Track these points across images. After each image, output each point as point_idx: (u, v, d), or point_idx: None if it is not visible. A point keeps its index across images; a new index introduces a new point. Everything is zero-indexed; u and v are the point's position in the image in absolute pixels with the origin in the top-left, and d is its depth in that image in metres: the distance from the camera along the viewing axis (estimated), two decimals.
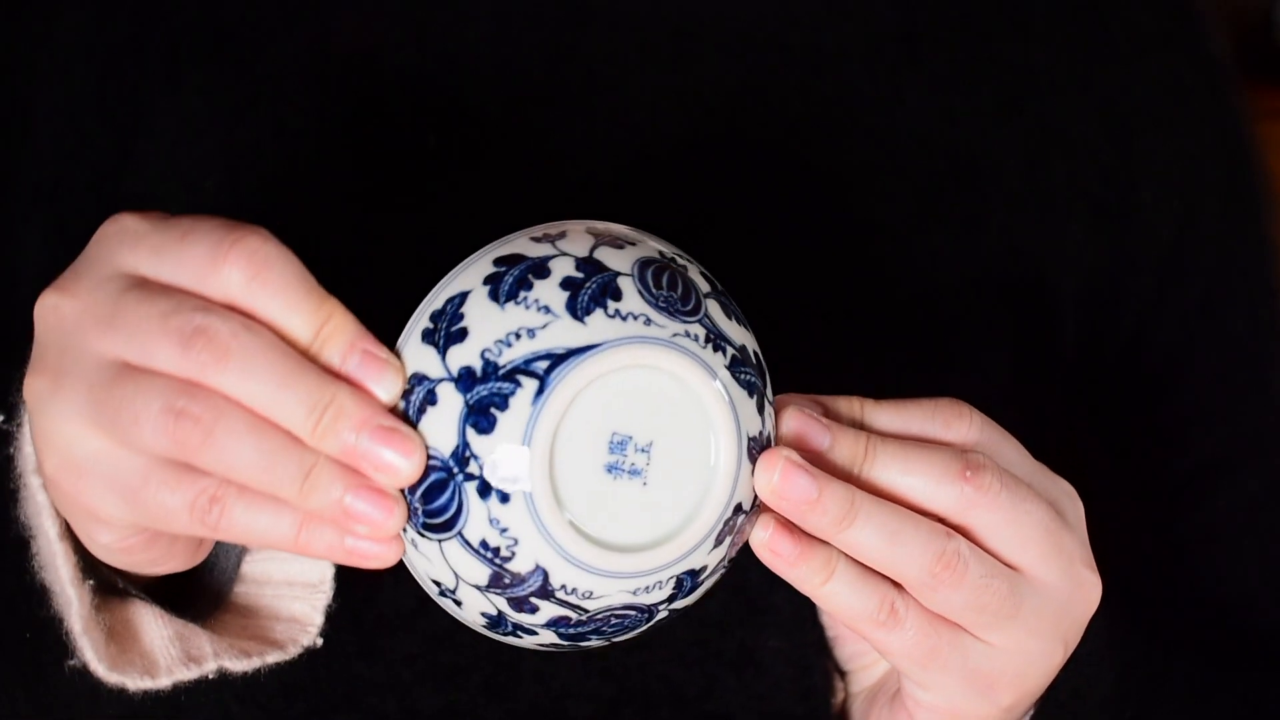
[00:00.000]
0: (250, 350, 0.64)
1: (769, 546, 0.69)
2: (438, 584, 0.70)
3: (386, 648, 0.85)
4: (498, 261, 0.68)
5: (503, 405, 0.66)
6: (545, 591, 0.68)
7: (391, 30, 0.90)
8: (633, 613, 0.70)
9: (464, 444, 0.67)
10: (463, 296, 0.68)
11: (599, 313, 0.67)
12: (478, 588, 0.69)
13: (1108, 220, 0.91)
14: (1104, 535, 0.92)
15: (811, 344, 0.88)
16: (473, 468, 0.67)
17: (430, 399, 0.67)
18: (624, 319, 0.67)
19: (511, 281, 0.67)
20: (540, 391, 0.66)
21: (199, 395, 0.64)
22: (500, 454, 0.67)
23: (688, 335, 0.67)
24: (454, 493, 0.67)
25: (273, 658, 0.75)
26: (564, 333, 0.67)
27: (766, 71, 0.90)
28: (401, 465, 0.65)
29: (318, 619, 0.77)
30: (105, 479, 0.66)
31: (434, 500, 0.68)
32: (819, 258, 0.88)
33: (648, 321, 0.67)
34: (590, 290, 0.67)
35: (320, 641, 0.77)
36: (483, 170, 0.88)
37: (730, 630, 0.86)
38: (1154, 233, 0.91)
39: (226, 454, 0.64)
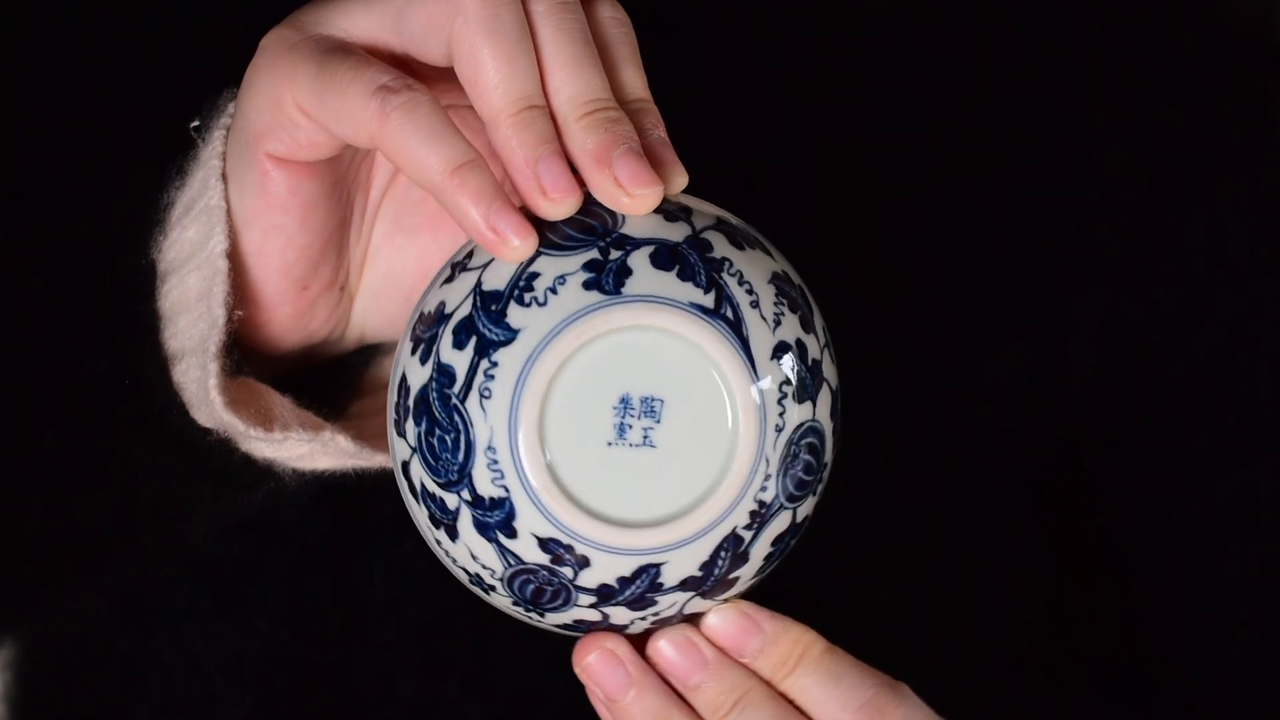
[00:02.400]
0: (583, 24, 0.66)
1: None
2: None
3: (372, 634, 0.86)
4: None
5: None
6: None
7: None
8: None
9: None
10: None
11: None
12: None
13: (1132, 251, 0.90)
14: (1110, 575, 0.92)
15: None
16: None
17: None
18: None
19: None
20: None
21: None
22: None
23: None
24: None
25: (380, 460, 0.73)
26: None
27: (767, 78, 0.89)
28: (640, 184, 0.65)
29: None
30: (319, 53, 0.67)
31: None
32: (806, 270, 0.87)
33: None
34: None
35: None
36: None
37: None
38: (1178, 267, 0.91)
39: (488, 40, 0.65)
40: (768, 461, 0.66)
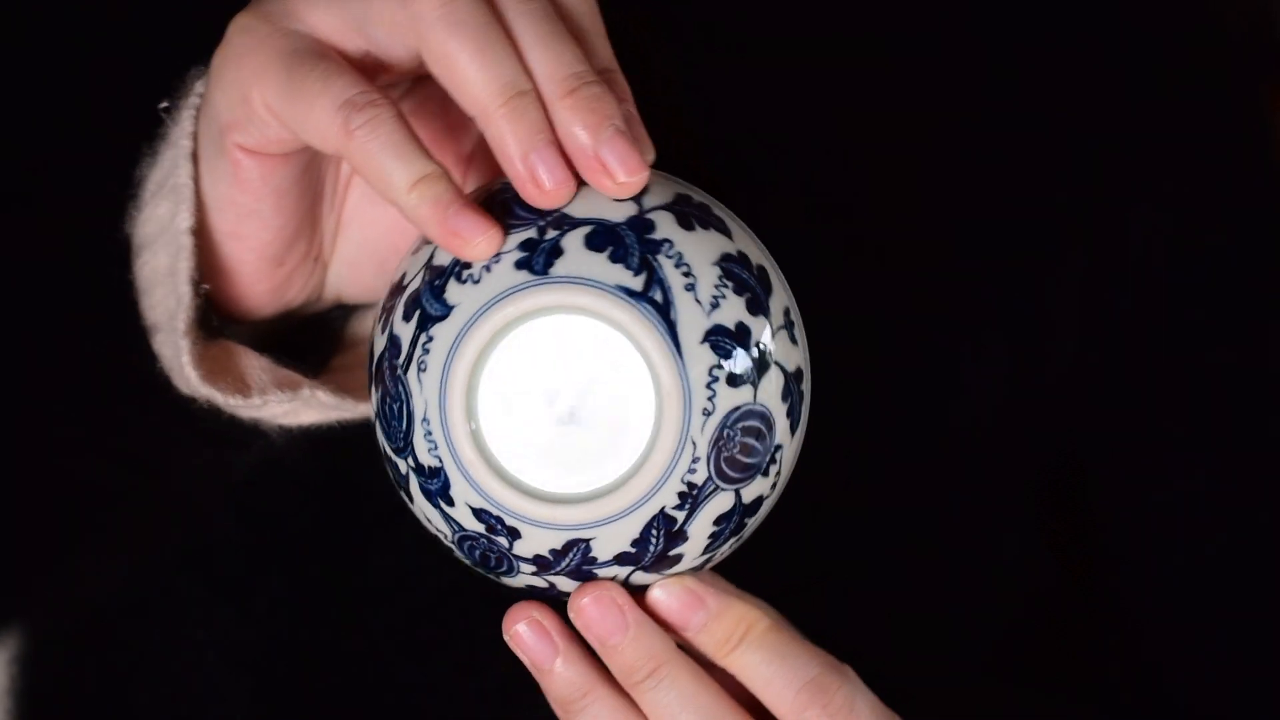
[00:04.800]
0: (554, 14, 0.66)
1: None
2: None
3: (370, 619, 0.87)
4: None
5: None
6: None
7: None
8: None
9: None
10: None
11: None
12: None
13: (1109, 244, 0.91)
14: (1092, 567, 0.92)
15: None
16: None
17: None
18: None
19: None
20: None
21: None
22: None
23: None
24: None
25: (363, 410, 0.74)
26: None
27: (754, 71, 0.90)
28: (627, 170, 0.65)
29: None
30: (286, 50, 0.67)
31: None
32: (805, 271, 0.88)
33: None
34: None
35: None
36: None
37: None
38: (1155, 260, 0.91)
39: (455, 24, 0.65)
40: (694, 444, 0.66)
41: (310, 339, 0.78)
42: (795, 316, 0.69)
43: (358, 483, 0.86)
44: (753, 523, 0.70)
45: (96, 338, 0.74)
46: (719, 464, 0.67)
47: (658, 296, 0.66)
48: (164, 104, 0.74)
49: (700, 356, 0.66)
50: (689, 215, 0.67)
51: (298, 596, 0.88)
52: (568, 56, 0.66)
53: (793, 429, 0.68)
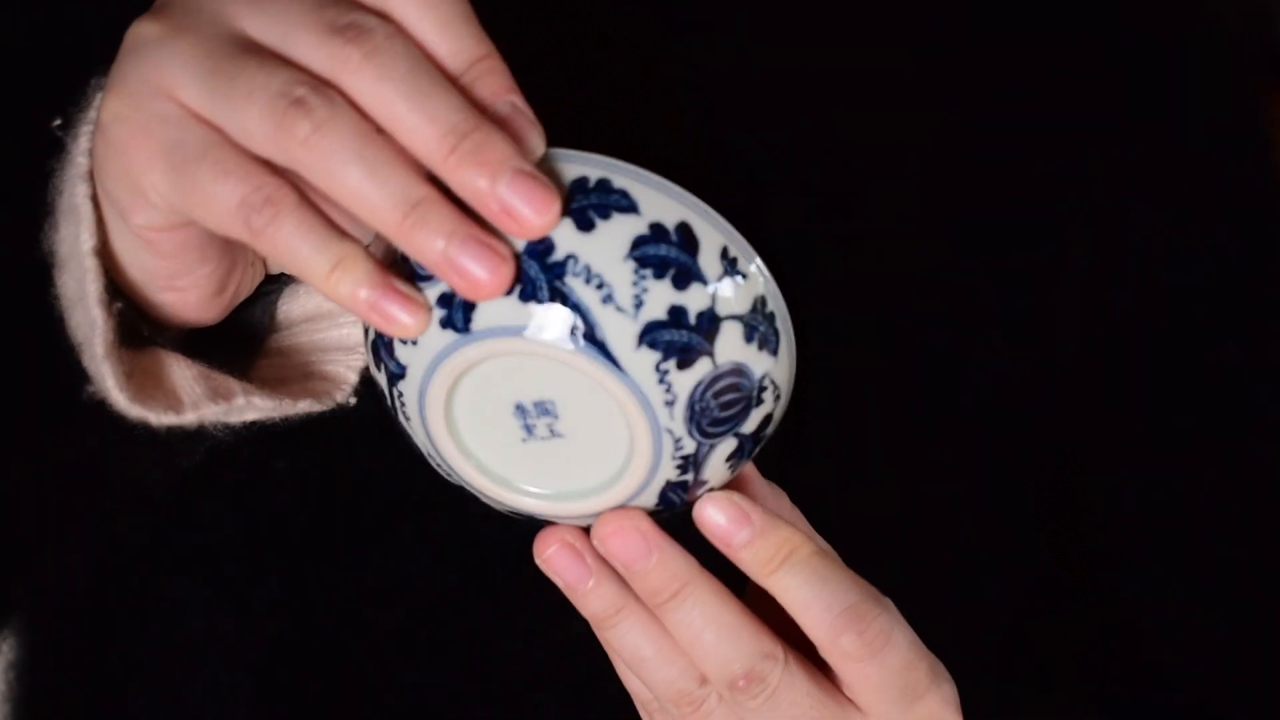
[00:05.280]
0: (399, 54, 0.59)
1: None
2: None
3: (371, 620, 0.86)
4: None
5: None
6: None
7: None
8: None
9: None
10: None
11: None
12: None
13: (1106, 234, 0.90)
14: (1097, 561, 0.92)
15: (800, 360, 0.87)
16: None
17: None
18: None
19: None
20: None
21: (323, 89, 0.59)
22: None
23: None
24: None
25: (304, 405, 0.71)
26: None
27: (747, 67, 0.90)
28: (537, 214, 0.60)
29: (353, 378, 0.73)
30: (166, 147, 0.62)
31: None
32: (794, 260, 0.88)
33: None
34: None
35: (354, 401, 0.73)
36: None
37: None
38: (1148, 252, 0.91)
39: (330, 154, 0.60)
40: (670, 431, 0.65)
41: (244, 322, 0.75)
42: (737, 247, 0.65)
43: (357, 482, 0.86)
44: (771, 430, 0.69)
45: (29, 354, 0.72)
46: (703, 428, 0.66)
47: (578, 322, 0.63)
48: (58, 121, 0.69)
49: (641, 360, 0.64)
50: (587, 211, 0.64)
51: (298, 597, 0.87)
52: (435, 110, 0.60)
53: (774, 352, 0.66)
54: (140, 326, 0.71)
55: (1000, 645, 0.93)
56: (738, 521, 0.66)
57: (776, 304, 0.66)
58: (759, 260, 0.65)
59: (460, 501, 0.72)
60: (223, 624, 0.88)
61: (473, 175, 0.60)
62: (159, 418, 0.69)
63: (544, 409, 0.66)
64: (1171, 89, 0.92)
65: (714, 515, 0.66)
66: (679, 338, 0.64)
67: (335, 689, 0.87)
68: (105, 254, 0.69)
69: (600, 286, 0.63)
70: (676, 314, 0.64)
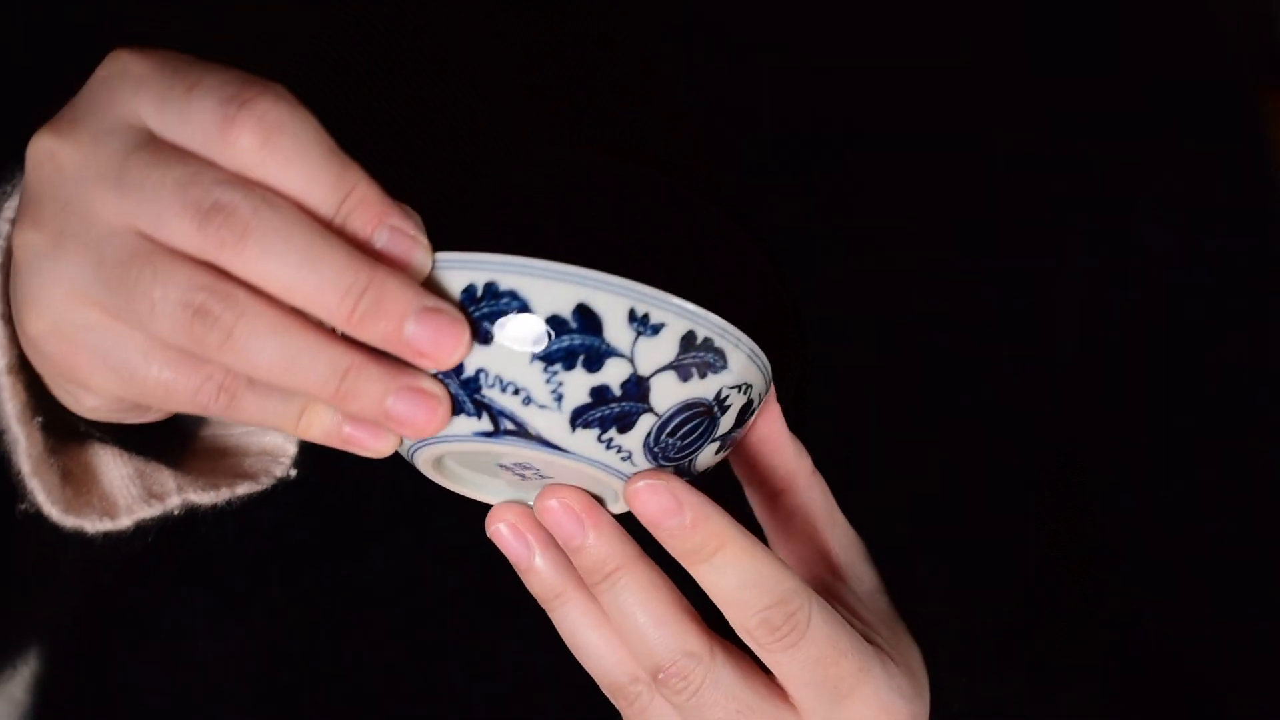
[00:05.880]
0: (273, 227, 0.59)
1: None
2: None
3: (371, 625, 0.86)
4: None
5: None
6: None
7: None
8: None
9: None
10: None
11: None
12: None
13: (1106, 232, 0.90)
14: (1100, 559, 0.92)
15: (782, 349, 0.87)
16: None
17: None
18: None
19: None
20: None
21: (220, 289, 0.59)
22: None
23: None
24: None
25: (243, 489, 0.71)
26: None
27: (745, 66, 0.90)
28: (450, 348, 0.61)
29: (291, 449, 0.73)
30: (103, 354, 0.61)
31: None
32: (792, 258, 0.88)
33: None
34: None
35: (294, 473, 0.73)
36: (464, 163, 0.89)
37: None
38: (1151, 247, 0.91)
39: (248, 355, 0.59)
40: (640, 475, 0.65)
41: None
42: (645, 301, 0.63)
43: (355, 490, 0.86)
44: (757, 406, 0.68)
45: None
46: (671, 458, 0.65)
47: (509, 425, 0.63)
48: None
49: (582, 439, 0.63)
50: (482, 323, 0.63)
51: (298, 604, 0.87)
52: (324, 275, 0.59)
53: (719, 369, 0.64)
54: (78, 423, 0.69)
55: (1000, 644, 0.93)
56: (669, 511, 0.65)
57: (706, 323, 0.64)
58: (673, 298, 0.63)
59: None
60: (223, 632, 0.88)
61: (380, 329, 0.60)
62: (94, 525, 0.69)
63: (525, 466, 0.66)
64: (1172, 89, 0.92)
65: (645, 499, 0.65)
66: (611, 411, 0.63)
67: (337, 694, 0.87)
68: (27, 363, 0.67)
69: (516, 392, 0.63)
70: (600, 393, 0.63)
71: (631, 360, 0.62)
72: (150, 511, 0.69)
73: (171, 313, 0.59)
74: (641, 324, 0.62)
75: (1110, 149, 0.91)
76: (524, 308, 0.62)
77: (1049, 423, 0.91)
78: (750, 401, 0.66)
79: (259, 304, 0.59)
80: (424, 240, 0.61)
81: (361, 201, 0.60)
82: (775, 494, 0.72)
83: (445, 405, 0.62)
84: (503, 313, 0.62)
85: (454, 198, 0.88)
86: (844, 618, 0.68)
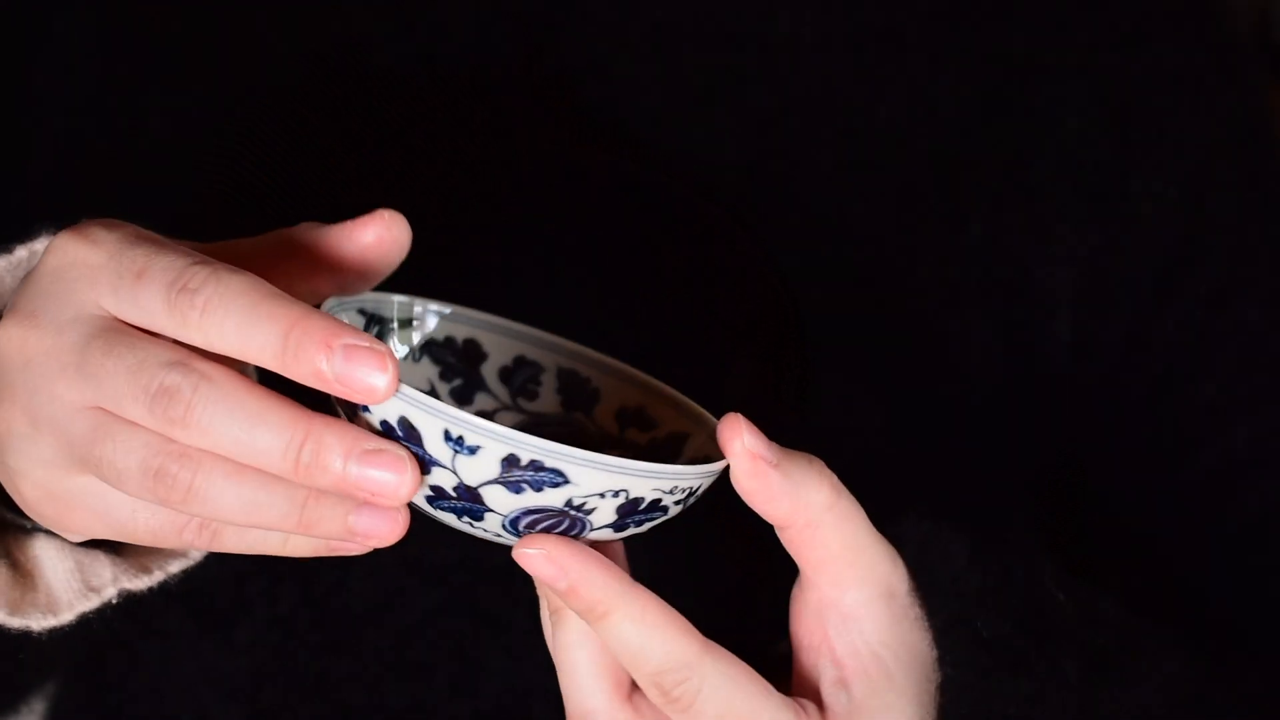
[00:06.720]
0: (213, 400, 0.63)
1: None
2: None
3: (356, 641, 0.86)
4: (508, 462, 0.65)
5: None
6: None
7: (376, 26, 0.91)
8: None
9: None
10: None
11: None
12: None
13: (1101, 213, 0.90)
14: (1107, 542, 0.92)
15: (782, 349, 0.87)
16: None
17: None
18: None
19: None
20: None
21: (175, 451, 0.64)
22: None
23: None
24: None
25: (175, 566, 0.73)
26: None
27: (744, 65, 0.90)
28: (396, 484, 0.64)
29: None
30: (93, 511, 0.68)
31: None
32: (791, 257, 0.88)
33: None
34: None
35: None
36: (465, 163, 0.89)
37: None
38: (1152, 223, 0.91)
39: (211, 504, 0.64)
40: (527, 541, 0.67)
41: None
42: (458, 426, 0.66)
43: None
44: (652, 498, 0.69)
45: None
46: (555, 533, 0.68)
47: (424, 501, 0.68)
48: None
49: (448, 518, 0.68)
50: (423, 458, 0.67)
51: (281, 624, 0.88)
52: (265, 438, 0.64)
53: (555, 487, 0.67)
54: (23, 522, 0.73)
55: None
56: (551, 577, 0.67)
57: (532, 448, 0.66)
58: (494, 427, 0.65)
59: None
60: (210, 653, 0.88)
61: (326, 477, 0.64)
62: (39, 623, 0.72)
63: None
64: (1171, 88, 0.92)
65: (529, 564, 0.67)
66: (456, 505, 0.67)
67: (323, 711, 0.87)
68: None
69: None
70: (439, 490, 0.67)
71: (455, 472, 0.66)
72: (89, 604, 0.72)
73: (136, 477, 0.64)
74: (457, 444, 0.65)
75: (1110, 148, 0.91)
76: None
77: (1049, 422, 0.91)
78: (642, 499, 0.68)
79: (212, 458, 0.64)
80: (381, 346, 0.63)
81: (305, 334, 0.63)
82: (782, 531, 0.72)
83: (404, 512, 0.65)
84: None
85: (454, 198, 0.88)
86: (757, 683, 0.69)
